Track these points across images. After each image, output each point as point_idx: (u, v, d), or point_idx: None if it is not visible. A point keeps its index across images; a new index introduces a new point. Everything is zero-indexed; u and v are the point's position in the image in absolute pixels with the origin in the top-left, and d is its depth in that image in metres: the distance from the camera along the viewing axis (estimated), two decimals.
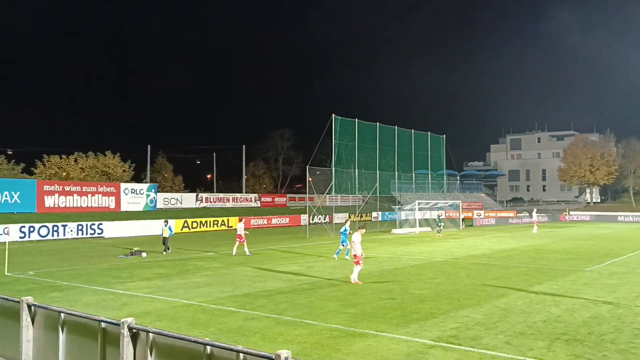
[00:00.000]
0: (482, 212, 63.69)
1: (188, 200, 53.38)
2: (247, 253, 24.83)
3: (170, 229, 27.32)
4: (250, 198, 59.77)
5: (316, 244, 31.61)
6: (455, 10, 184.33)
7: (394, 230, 41.55)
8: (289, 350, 4.74)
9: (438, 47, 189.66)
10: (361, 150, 45.19)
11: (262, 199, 60.81)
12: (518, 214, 65.01)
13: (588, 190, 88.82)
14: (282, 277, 17.92)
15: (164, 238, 26.75)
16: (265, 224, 48.66)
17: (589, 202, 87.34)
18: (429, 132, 58.46)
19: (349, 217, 70.39)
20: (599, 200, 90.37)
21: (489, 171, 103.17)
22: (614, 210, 70.90)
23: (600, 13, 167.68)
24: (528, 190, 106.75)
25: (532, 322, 11.44)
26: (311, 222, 44.37)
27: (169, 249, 26.75)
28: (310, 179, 41.42)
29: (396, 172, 53.07)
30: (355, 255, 16.63)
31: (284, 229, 46.02)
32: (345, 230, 23.97)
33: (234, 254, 24.75)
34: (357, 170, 44.21)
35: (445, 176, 64.99)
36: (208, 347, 5.48)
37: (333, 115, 41.28)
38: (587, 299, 14.06)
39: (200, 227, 43.99)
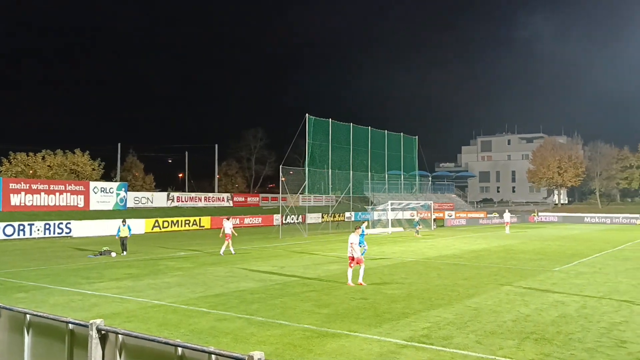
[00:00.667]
0: (453, 212, 64.53)
1: (159, 199, 52.73)
2: (232, 252, 25.09)
3: (129, 228, 26.49)
4: (223, 197, 59.34)
5: (289, 244, 31.50)
6: (430, 13, 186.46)
7: (367, 231, 41.66)
8: (261, 351, 4.69)
9: (412, 49, 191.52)
10: (335, 150, 45.29)
11: (235, 199, 60.44)
12: (488, 215, 66.28)
13: (556, 192, 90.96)
14: (255, 277, 17.80)
15: (122, 238, 25.74)
16: (237, 224, 48.17)
17: (557, 204, 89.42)
18: (401, 133, 58.78)
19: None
20: (566, 202, 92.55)
21: (460, 172, 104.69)
22: (581, 211, 72.66)
23: (571, 21, 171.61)
24: (498, 192, 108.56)
25: (502, 322, 11.58)
26: (284, 222, 44.18)
27: (126, 249, 25.83)
28: (283, 179, 41.38)
29: (369, 173, 53.12)
30: (351, 257, 16.24)
31: (257, 229, 45.82)
32: (362, 233, 23.95)
33: (221, 252, 24.74)
34: (330, 170, 44.25)
35: (417, 177, 65.40)
36: (179, 349, 5.38)
37: (307, 115, 41.24)
38: (556, 298, 14.30)
39: (171, 226, 43.48)
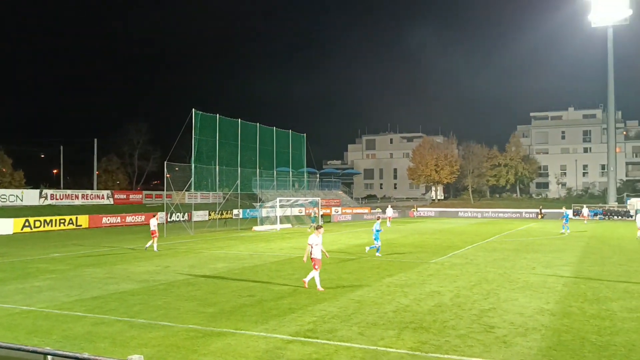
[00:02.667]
0: (339, 208, 66.18)
1: (30, 197, 48.89)
2: (155, 249, 25.59)
3: None
4: (102, 195, 56.32)
5: (174, 242, 30.63)
6: (318, 12, 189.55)
7: (255, 228, 41.60)
8: (141, 354, 4.49)
9: (301, 50, 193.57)
10: (222, 146, 44.50)
11: (116, 196, 57.63)
12: (372, 210, 68.86)
13: (434, 188, 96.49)
14: (136, 278, 17.13)
15: None
16: (118, 222, 46.13)
17: (434, 199, 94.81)
18: (290, 131, 59.10)
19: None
20: (442, 198, 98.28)
21: (346, 170, 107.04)
22: (456, 206, 77.84)
23: (451, 32, 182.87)
24: (381, 188, 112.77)
25: (384, 313, 12.00)
26: (169, 220, 42.99)
27: None
28: (168, 175, 40.02)
29: (257, 169, 52.83)
30: (313, 259, 14.95)
31: (140, 228, 44.00)
32: (378, 231, 23.46)
33: (155, 249, 25.52)
34: (217, 166, 43.41)
35: (305, 174, 66.26)
36: (49, 357, 5.01)
37: (193, 109, 40.22)
38: (432, 289, 15.08)
39: (44, 226, 40.48)
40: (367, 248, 24.45)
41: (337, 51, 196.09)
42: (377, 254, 23.28)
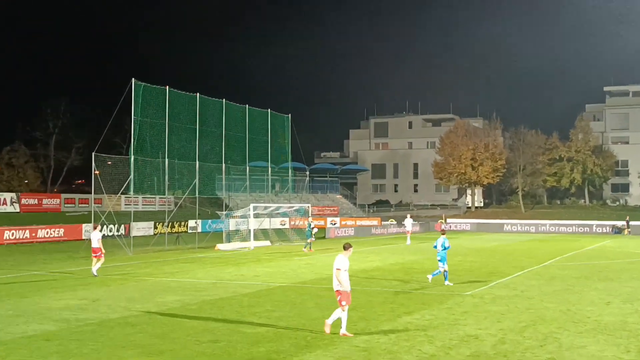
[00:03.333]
0: (337, 219, 66.15)
1: None
2: (94, 273, 26.05)
3: None
4: (4, 199, 55.95)
5: (105, 266, 29.60)
6: None
7: (220, 246, 41.43)
8: None
9: (288, 6, 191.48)
10: (174, 132, 43.68)
11: (23, 201, 57.29)
12: (383, 222, 68.78)
13: (469, 192, 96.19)
14: (53, 316, 16.99)
15: None
16: (27, 238, 45.78)
17: (470, 207, 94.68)
18: (269, 110, 57.50)
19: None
20: (482, 205, 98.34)
21: (347, 165, 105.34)
22: (500, 217, 77.78)
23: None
24: (396, 191, 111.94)
25: None
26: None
27: None
28: (96, 172, 39.31)
29: (223, 165, 50.92)
30: (339, 291, 14.75)
31: (57, 245, 43.63)
32: (444, 246, 23.81)
33: (94, 273, 25.89)
34: (167, 160, 42.55)
35: (290, 171, 64.57)
36: None
37: (133, 80, 39.21)
38: (468, 332, 15.00)
39: None
40: (430, 276, 24.27)
41: (335, 7, 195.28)
42: (446, 282, 23.53)
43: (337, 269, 14.56)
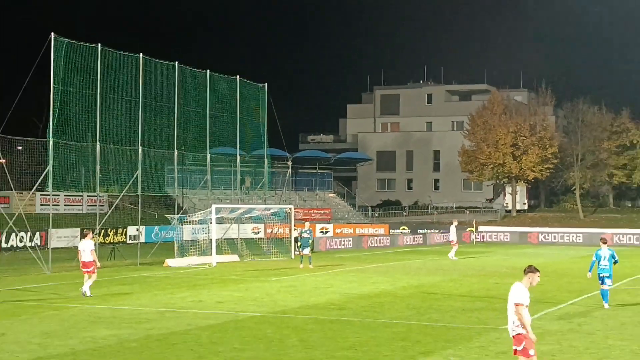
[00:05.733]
0: (330, 226, 56.79)
1: None
2: (86, 292, 21.43)
3: None
4: None
5: (14, 289, 24.89)
6: None
7: (170, 262, 33.59)
8: None
9: None
10: (109, 106, 34.76)
11: None
12: (392, 231, 57.65)
13: (509, 189, 74.19)
14: None
15: None
16: None
17: (509, 210, 74.16)
18: (237, 77, 44.62)
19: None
20: (526, 207, 76.14)
21: (343, 152, 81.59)
22: (550, 223, 64.01)
23: None
24: (409, 188, 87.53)
25: None
26: (3, 245, 35.55)
27: None
28: (2, 161, 32.42)
29: (176, 151, 40.55)
30: (520, 335, 10.98)
31: None
32: (613, 259, 20.26)
33: (87, 293, 21.53)
34: (98, 144, 34.15)
35: (267, 160, 50.43)
36: None
37: (52, 35, 30.97)
38: None
39: None
40: (606, 305, 20.00)
41: None
42: (605, 304, 19.81)
43: (517, 304, 10.98)
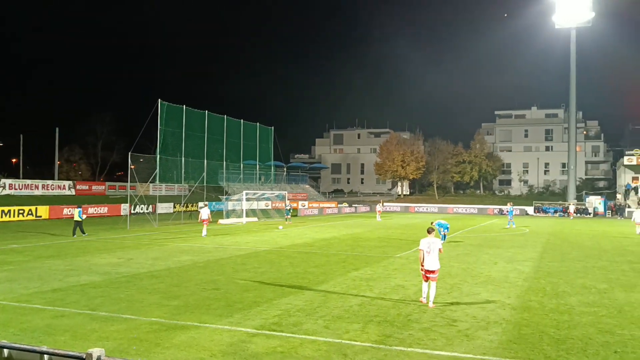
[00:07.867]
0: (306, 202, 66.01)
1: None
2: (204, 234, 28.80)
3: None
4: (64, 185, 54.90)
5: (137, 235, 29.95)
6: (287, 8, 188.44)
7: (221, 221, 40.99)
8: (102, 347, 4.35)
9: (269, 43, 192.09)
10: (189, 138, 43.93)
11: (78, 187, 56.24)
12: (339, 205, 68.80)
13: (399, 184, 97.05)
14: (98, 270, 16.70)
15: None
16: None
17: (399, 195, 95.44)
18: (257, 124, 58.70)
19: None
20: (408, 193, 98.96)
21: (313, 164, 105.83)
22: (421, 202, 78.73)
23: (417, 31, 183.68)
24: (348, 183, 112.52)
25: (349, 306, 12.02)
26: (132, 212, 41.94)
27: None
28: (132, 167, 39.24)
29: (224, 162, 52.25)
30: (427, 271, 11.98)
31: (102, 219, 43.05)
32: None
33: (204, 234, 28.42)
34: (183, 158, 42.87)
35: (272, 167, 65.67)
36: (5, 350, 4.84)
37: (159, 100, 39.55)
38: (397, 282, 15.11)
39: (2, 216, 39.31)
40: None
41: (306, 47, 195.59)
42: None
43: (421, 249, 12.23)
